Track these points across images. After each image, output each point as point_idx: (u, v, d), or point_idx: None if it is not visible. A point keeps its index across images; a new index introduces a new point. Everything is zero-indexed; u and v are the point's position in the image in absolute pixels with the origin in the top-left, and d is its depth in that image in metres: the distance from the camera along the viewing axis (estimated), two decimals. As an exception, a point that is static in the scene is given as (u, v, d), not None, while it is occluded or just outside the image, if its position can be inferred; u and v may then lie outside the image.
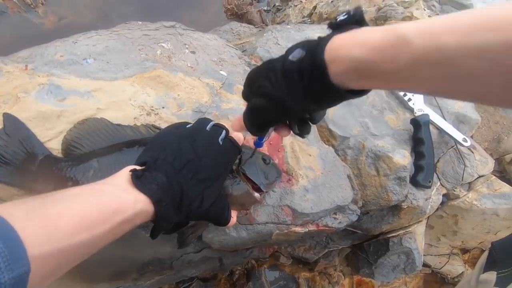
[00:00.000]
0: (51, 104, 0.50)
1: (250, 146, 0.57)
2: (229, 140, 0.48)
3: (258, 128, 0.42)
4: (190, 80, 0.61)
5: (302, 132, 0.41)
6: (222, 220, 0.47)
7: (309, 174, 0.61)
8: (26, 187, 0.45)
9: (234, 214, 0.50)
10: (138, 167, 0.39)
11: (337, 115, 0.72)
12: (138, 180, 0.36)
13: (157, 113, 0.56)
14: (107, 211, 0.31)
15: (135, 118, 0.54)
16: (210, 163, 0.42)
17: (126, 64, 0.58)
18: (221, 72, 0.66)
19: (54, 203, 0.28)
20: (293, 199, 0.57)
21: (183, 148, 0.42)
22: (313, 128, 0.69)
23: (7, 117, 0.46)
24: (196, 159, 0.41)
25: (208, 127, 0.48)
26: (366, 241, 0.79)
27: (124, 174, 0.37)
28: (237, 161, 0.50)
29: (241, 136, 0.52)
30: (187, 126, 0.48)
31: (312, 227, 0.58)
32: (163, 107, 0.57)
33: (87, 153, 0.45)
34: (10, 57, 0.55)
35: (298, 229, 0.57)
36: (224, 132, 0.48)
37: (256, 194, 0.50)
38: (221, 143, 0.46)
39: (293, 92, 0.33)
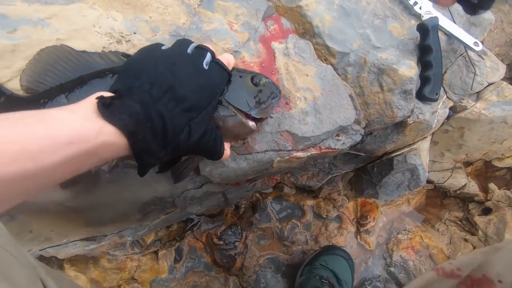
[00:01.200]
0: (1, 38, 0.42)
1: (242, 68, 0.50)
2: (215, 64, 0.41)
3: None
4: (162, -2, 0.52)
5: None
6: (215, 153, 0.43)
7: (308, 95, 0.56)
8: None
9: (227, 147, 0.46)
10: (107, 94, 0.33)
11: (334, 29, 0.64)
12: (105, 109, 0.30)
13: (129, 40, 0.48)
14: (58, 141, 0.26)
15: (103, 47, 0.46)
16: (194, 90, 0.37)
17: (82, -16, 0.48)
18: (197, -14, 0.56)
19: None
20: (292, 124, 0.53)
21: (161, 74, 0.35)
22: (309, 45, 0.61)
23: None
24: (178, 86, 0.35)
25: (189, 50, 0.41)
26: (369, 163, 0.78)
27: (89, 102, 0.31)
28: (225, 88, 0.43)
29: (230, 58, 0.45)
30: (163, 48, 0.41)
31: (314, 151, 0.55)
32: (134, 33, 0.49)
33: (54, 88, 0.39)
34: None
35: (300, 154, 0.54)
36: (208, 54, 0.42)
37: (251, 123, 0.45)
38: (206, 68, 0.40)
39: None
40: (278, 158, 0.54)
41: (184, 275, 0.78)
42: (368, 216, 0.83)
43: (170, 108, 0.34)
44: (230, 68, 0.44)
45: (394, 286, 0.81)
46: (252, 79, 0.46)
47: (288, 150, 0.54)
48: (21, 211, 0.46)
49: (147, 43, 0.49)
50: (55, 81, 0.39)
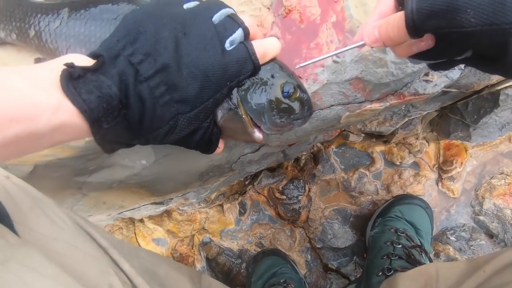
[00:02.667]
0: None
1: (283, 64, 0.36)
2: (243, 47, 0.30)
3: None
4: None
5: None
6: (204, 152, 0.35)
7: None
8: None
9: (221, 144, 0.36)
10: (84, 61, 0.26)
11: None
12: (69, 82, 0.24)
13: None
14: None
15: None
16: (196, 77, 0.28)
17: None
18: None
19: None
20: (365, 67, 0.42)
21: (161, 44, 0.27)
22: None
23: None
24: (175, 67, 0.27)
25: (215, 17, 0.30)
26: (460, 100, 0.62)
27: (53, 68, 0.25)
28: (245, 83, 0.32)
29: (271, 48, 0.33)
30: (185, 7, 0.31)
31: (394, 100, 0.44)
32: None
33: (62, 2, 0.35)
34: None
35: (375, 106, 0.44)
36: (239, 31, 0.30)
37: (257, 135, 0.35)
38: (228, 49, 0.30)
39: None
40: (347, 113, 0.44)
41: (250, 226, 0.80)
42: (454, 161, 0.71)
43: (157, 94, 0.27)
44: (264, 60, 0.33)
45: (484, 236, 0.72)
46: (284, 86, 0.33)
47: (360, 102, 0.43)
48: (90, 190, 0.48)
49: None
50: None
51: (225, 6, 0.32)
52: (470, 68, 0.52)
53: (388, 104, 0.43)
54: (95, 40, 0.33)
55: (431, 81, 0.43)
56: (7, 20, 0.35)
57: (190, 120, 0.30)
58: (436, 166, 0.75)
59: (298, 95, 0.35)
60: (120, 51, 0.27)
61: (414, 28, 0.26)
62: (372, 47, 0.32)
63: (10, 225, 0.30)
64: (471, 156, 0.73)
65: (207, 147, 0.35)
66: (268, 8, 0.42)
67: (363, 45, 0.32)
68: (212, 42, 0.29)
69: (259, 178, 0.77)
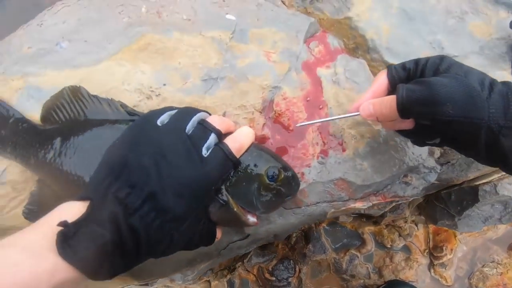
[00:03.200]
0: (37, 112, 0.41)
1: (261, 146, 0.40)
2: (219, 150, 0.33)
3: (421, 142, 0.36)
4: (190, 39, 0.47)
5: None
6: (206, 246, 0.37)
7: (366, 132, 0.46)
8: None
9: (219, 233, 0.37)
10: (76, 208, 0.29)
11: (394, 39, 0.52)
12: (65, 243, 0.26)
13: (159, 94, 0.44)
14: None
15: (134, 106, 0.44)
16: (181, 195, 0.30)
17: (108, 38, 0.46)
18: (228, 16, 0.50)
19: None
20: (347, 169, 0.45)
21: (144, 173, 0.29)
22: (363, 65, 0.51)
23: None
24: (161, 193, 0.29)
25: (188, 127, 0.33)
26: (444, 189, 0.65)
27: (47, 229, 0.27)
28: (231, 178, 0.34)
29: (245, 140, 0.36)
30: (160, 123, 0.33)
31: (376, 200, 0.46)
32: (164, 85, 0.45)
33: (54, 128, 0.39)
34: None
35: (359, 205, 0.46)
36: (212, 137, 0.33)
37: (252, 220, 0.36)
38: (206, 155, 0.32)
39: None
40: (333, 210, 0.46)
41: (238, 308, 0.76)
42: (444, 248, 0.71)
43: (148, 220, 0.28)
44: (241, 152, 0.35)
45: (482, 331, 0.68)
46: (268, 171, 0.35)
47: (344, 201, 0.46)
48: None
49: (178, 94, 0.45)
50: (64, 117, 0.39)
51: (195, 112, 0.35)
52: (448, 166, 0.56)
53: (370, 204, 0.46)
54: (85, 169, 0.36)
55: (410, 184, 0.47)
56: (12, 146, 0.39)
57: (184, 233, 0.31)
58: (427, 251, 0.74)
59: (283, 175, 0.36)
60: (107, 189, 0.29)
61: (403, 110, 0.32)
62: (366, 119, 0.39)
63: None
64: (460, 242, 0.73)
65: (206, 243, 0.36)
66: (260, 112, 0.47)
67: (357, 115, 0.38)
68: (189, 155, 0.31)
69: (248, 256, 0.76)
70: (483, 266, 0.72)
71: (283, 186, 0.36)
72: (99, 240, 0.26)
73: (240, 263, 0.78)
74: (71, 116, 0.39)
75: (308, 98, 0.48)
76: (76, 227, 0.27)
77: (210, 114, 0.38)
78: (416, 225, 0.75)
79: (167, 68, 0.45)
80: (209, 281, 0.80)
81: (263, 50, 0.49)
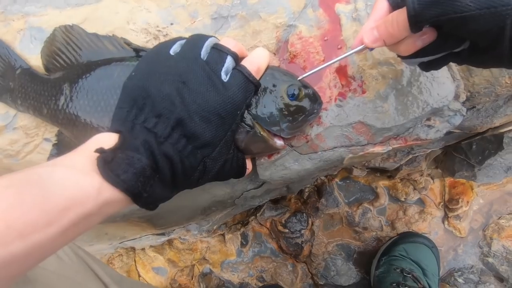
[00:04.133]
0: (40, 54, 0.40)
1: (278, 68, 0.39)
2: (238, 73, 0.32)
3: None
4: (197, -27, 0.43)
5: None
6: (236, 177, 0.37)
7: (387, 73, 0.43)
8: (10, 106, 0.40)
9: (249, 164, 0.38)
10: (109, 139, 0.28)
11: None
12: (106, 166, 0.26)
13: (166, 34, 0.42)
14: (53, 208, 0.22)
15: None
16: (209, 120, 0.30)
17: (109, -27, 0.42)
18: None
19: None
20: (367, 112, 0.43)
21: (168, 101, 0.29)
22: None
23: None
24: (188, 119, 0.29)
25: (203, 53, 0.32)
26: (465, 139, 0.62)
27: (87, 154, 0.27)
28: (252, 102, 0.34)
29: (261, 61, 0.34)
30: (173, 52, 0.32)
31: (397, 144, 0.44)
32: (171, 24, 0.42)
33: (60, 76, 0.37)
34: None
35: (378, 149, 0.44)
36: (229, 59, 0.32)
37: (279, 143, 0.37)
38: (225, 80, 0.31)
39: None
40: (350, 155, 0.45)
41: (251, 259, 0.78)
42: (460, 200, 0.70)
43: (180, 148, 0.28)
44: (260, 74, 0.34)
45: (493, 280, 0.69)
46: (288, 90, 0.35)
47: (363, 145, 0.44)
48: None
49: (186, 34, 0.42)
50: (65, 63, 0.37)
51: (206, 37, 0.34)
52: (473, 111, 0.53)
53: (390, 148, 0.44)
54: (101, 109, 0.35)
55: (433, 126, 0.44)
56: (23, 97, 0.38)
57: (216, 159, 0.31)
58: (442, 204, 0.74)
59: (304, 93, 0.37)
60: (133, 121, 0.29)
61: (416, 17, 0.27)
62: (372, 49, 0.34)
63: None
64: (477, 194, 0.72)
65: (237, 173, 0.37)
66: (274, 53, 0.44)
67: (364, 48, 0.34)
68: (210, 81, 0.30)
69: (261, 210, 0.77)
70: (499, 218, 0.71)
71: (305, 104, 0.36)
72: (137, 164, 0.27)
73: (253, 217, 0.79)
74: (72, 59, 0.37)
75: (326, 38, 0.45)
76: (113, 153, 0.27)
77: (219, 40, 0.36)
78: (432, 179, 0.73)
79: (173, 5, 0.42)
80: (223, 235, 0.82)
81: (278, -15, 0.45)
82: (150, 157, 0.27)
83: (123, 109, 0.30)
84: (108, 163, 0.26)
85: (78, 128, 0.36)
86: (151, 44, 0.41)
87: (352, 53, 0.36)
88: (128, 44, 0.37)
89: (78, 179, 0.25)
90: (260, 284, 0.76)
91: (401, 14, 0.28)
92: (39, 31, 0.40)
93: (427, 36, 0.30)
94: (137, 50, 0.37)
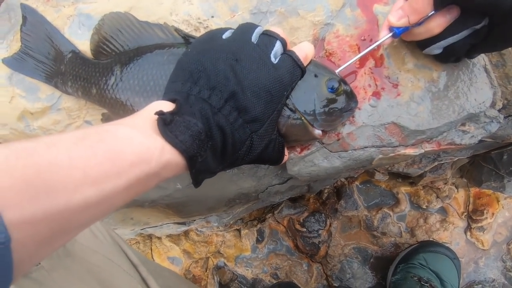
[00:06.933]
0: (89, 40, 0.41)
1: (319, 63, 0.40)
2: (287, 57, 0.33)
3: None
4: (240, -32, 0.44)
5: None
6: (276, 163, 0.38)
7: (424, 75, 0.43)
8: (60, 89, 0.42)
9: (286, 151, 0.39)
10: (166, 106, 0.29)
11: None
12: (165, 127, 0.27)
13: (207, 26, 0.43)
14: (121, 163, 0.23)
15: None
16: (259, 96, 0.31)
17: (155, -35, 0.43)
18: None
19: (49, 149, 0.21)
20: (401, 114, 0.42)
21: (221, 75, 0.30)
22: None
23: (26, 9, 0.40)
24: (241, 92, 0.30)
25: (253, 37, 0.34)
26: (495, 149, 0.61)
27: (147, 117, 0.28)
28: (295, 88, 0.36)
29: (309, 50, 0.36)
30: (224, 37, 0.34)
31: (429, 147, 0.44)
32: (212, 16, 0.43)
33: (111, 58, 0.39)
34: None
35: (410, 151, 0.44)
36: (278, 44, 0.34)
37: (317, 131, 0.38)
38: (275, 62, 0.33)
39: None
40: (380, 156, 0.44)
41: (266, 255, 0.79)
42: (485, 211, 0.68)
43: (232, 120, 0.30)
44: (307, 62, 0.36)
45: (515, 295, 0.67)
46: (328, 83, 0.37)
47: (394, 146, 0.44)
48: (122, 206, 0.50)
49: (226, 27, 0.43)
50: (115, 48, 0.39)
51: (256, 26, 0.36)
52: (507, 120, 0.52)
53: (423, 151, 0.43)
54: (150, 89, 0.36)
55: (468, 132, 0.44)
56: (73, 79, 0.40)
57: (262, 136, 0.33)
58: (465, 214, 0.72)
59: (342, 88, 0.38)
60: (188, 92, 0.30)
61: None
62: (399, 33, 0.36)
63: None
64: (503, 207, 0.70)
65: (277, 158, 0.38)
66: (310, 51, 0.44)
67: (390, 36, 0.37)
68: (262, 60, 0.32)
69: (280, 208, 0.77)
70: (524, 233, 0.69)
71: (342, 99, 0.37)
72: (194, 128, 0.28)
73: (270, 214, 0.80)
74: (123, 45, 0.39)
75: (363, 37, 0.45)
76: (172, 116, 0.28)
77: None
78: (456, 188, 0.72)
79: (215, -1, 0.43)
80: (239, 230, 0.83)
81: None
82: (205, 124, 0.28)
83: (177, 82, 0.31)
84: (167, 124, 0.27)
85: (126, 107, 0.37)
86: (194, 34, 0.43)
87: (382, 41, 0.38)
88: (178, 31, 0.38)
89: (142, 139, 0.26)
90: (274, 281, 0.76)
91: None
92: (87, 18, 0.42)
93: (450, 12, 0.32)
94: (186, 37, 0.39)
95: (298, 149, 0.44)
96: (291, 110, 0.36)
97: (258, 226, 0.80)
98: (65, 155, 0.21)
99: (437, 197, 0.72)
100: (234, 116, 0.30)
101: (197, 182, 0.32)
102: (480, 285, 0.69)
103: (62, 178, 0.20)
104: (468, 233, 0.71)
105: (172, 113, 0.28)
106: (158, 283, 0.40)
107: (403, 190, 0.75)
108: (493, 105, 0.46)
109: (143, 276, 0.39)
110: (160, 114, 0.27)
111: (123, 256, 0.39)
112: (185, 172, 0.30)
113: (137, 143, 0.25)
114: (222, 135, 0.29)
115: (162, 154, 0.26)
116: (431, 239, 0.71)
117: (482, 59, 0.46)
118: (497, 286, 0.68)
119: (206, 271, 0.83)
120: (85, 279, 0.30)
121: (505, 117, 0.50)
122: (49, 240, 0.20)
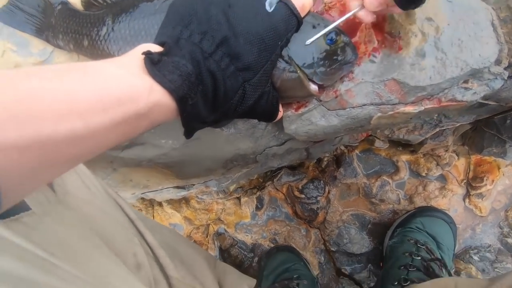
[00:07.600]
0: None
1: (318, 15, 0.39)
2: (283, 5, 0.32)
3: None
4: None
5: None
6: (269, 118, 0.37)
7: (427, 29, 0.41)
8: (51, 43, 0.41)
9: (281, 107, 0.39)
10: (154, 48, 0.28)
11: None
12: (154, 67, 0.26)
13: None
14: (108, 98, 0.23)
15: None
16: (252, 43, 0.30)
17: None
18: None
19: (29, 78, 0.20)
20: (402, 70, 0.41)
21: (213, 20, 0.29)
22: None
23: None
24: (233, 38, 0.29)
25: None
26: (498, 114, 0.59)
27: (135, 57, 0.27)
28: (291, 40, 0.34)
29: (307, 1, 0.34)
30: None
31: (430, 105, 0.43)
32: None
33: (103, 9, 0.38)
34: None
35: (409, 108, 0.43)
36: None
37: (313, 87, 0.37)
38: (270, 10, 0.31)
39: None
40: (379, 114, 0.44)
41: (265, 222, 0.80)
42: (485, 178, 0.68)
43: (223, 66, 0.29)
44: (304, 12, 0.34)
45: (510, 259, 0.68)
46: (328, 34, 0.35)
47: (393, 104, 0.43)
48: (121, 165, 0.51)
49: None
50: (104, 1, 0.38)
51: None
52: (513, 81, 0.50)
53: (423, 108, 0.43)
54: (141, 38, 0.35)
55: (471, 89, 0.42)
56: (64, 32, 0.39)
57: (255, 86, 0.32)
58: (465, 181, 0.72)
59: (342, 39, 0.37)
60: (179, 35, 0.29)
61: None
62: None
63: (49, 184, 0.33)
64: (503, 174, 0.70)
65: (271, 113, 0.37)
66: (309, 4, 0.42)
67: (359, 10, 0.36)
68: (256, 7, 0.31)
69: (279, 175, 0.78)
70: (523, 200, 0.69)
71: (341, 51, 0.36)
72: (183, 68, 0.27)
73: (269, 182, 0.80)
74: None
75: (364, -11, 0.42)
76: (160, 56, 0.27)
77: None
78: (457, 155, 0.71)
79: None
80: (239, 198, 0.84)
81: None
82: (196, 67, 0.28)
83: (167, 27, 0.30)
84: (155, 64, 0.26)
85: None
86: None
87: (350, 15, 0.36)
88: None
89: (129, 77, 0.25)
90: (273, 245, 0.78)
91: None
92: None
93: None
94: None
95: (295, 106, 0.43)
96: (286, 62, 0.35)
97: (258, 193, 0.81)
98: (48, 85, 0.21)
99: (437, 164, 0.72)
100: (226, 62, 0.29)
101: (188, 131, 0.31)
102: (476, 250, 0.70)
103: (45, 108, 0.20)
104: (467, 200, 0.71)
105: (160, 53, 0.27)
106: (156, 238, 0.41)
107: (403, 159, 0.75)
108: (498, 62, 0.44)
109: (140, 230, 0.40)
110: (148, 53, 0.27)
111: (118, 210, 0.39)
112: (176, 119, 0.29)
113: (124, 81, 0.25)
114: (213, 81, 0.29)
115: (151, 94, 0.26)
116: (429, 205, 0.72)
117: (489, 13, 0.43)
118: (492, 251, 0.69)
119: (207, 236, 0.86)
120: (77, 226, 0.31)
121: (510, 77, 0.48)
122: (36, 171, 0.20)
